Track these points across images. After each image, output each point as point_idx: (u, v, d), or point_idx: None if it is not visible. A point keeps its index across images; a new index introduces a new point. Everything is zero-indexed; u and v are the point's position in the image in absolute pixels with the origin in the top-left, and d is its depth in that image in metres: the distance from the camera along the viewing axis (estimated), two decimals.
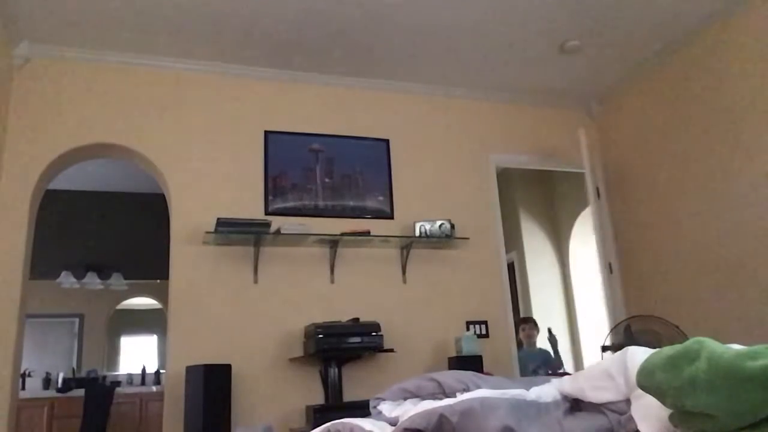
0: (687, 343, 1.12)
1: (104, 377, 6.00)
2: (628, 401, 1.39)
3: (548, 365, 4.60)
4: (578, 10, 3.71)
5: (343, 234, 3.89)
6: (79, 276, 6.16)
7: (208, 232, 3.64)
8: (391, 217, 4.20)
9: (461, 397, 1.46)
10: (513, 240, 5.71)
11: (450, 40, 3.97)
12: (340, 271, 4.00)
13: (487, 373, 2.66)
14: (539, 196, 6.09)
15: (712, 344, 1.09)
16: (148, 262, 5.88)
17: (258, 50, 3.96)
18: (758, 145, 3.57)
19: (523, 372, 4.37)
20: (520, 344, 4.75)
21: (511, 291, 4.55)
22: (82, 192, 6.21)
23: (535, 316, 5.70)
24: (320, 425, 1.57)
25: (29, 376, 5.62)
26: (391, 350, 3.76)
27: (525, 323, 4.87)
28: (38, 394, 5.44)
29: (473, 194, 4.48)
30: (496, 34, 3.93)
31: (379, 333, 3.60)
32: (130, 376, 6.14)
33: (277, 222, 3.79)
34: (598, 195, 4.76)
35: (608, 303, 4.23)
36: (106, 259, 6.26)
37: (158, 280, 5.71)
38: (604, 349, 4.05)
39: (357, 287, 4.01)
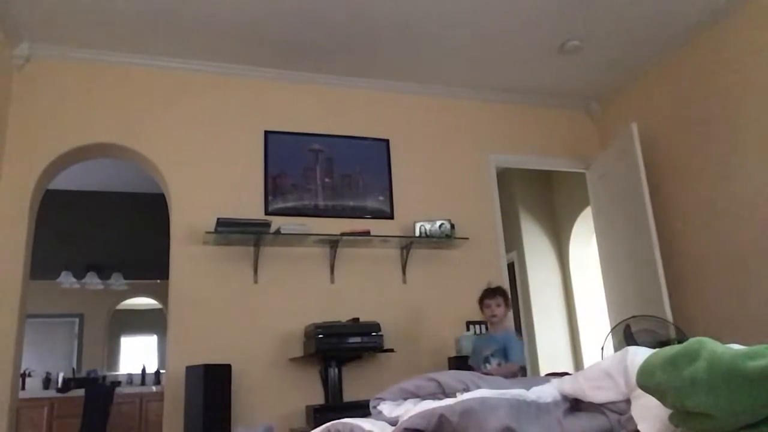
0: (687, 343, 1.12)
1: (104, 377, 6.00)
2: (628, 401, 1.39)
3: (505, 356, 3.38)
4: (578, 10, 3.71)
5: (343, 234, 3.89)
6: (79, 276, 6.16)
7: (208, 232, 3.64)
8: (391, 217, 4.20)
9: (461, 397, 1.46)
10: (513, 240, 5.71)
11: (450, 40, 3.97)
12: (340, 271, 4.00)
13: (488, 373, 2.67)
14: (539, 196, 6.08)
15: (712, 344, 1.09)
16: (148, 262, 5.86)
17: (258, 50, 3.96)
18: (759, 145, 3.57)
19: (473, 360, 3.55)
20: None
21: (511, 291, 4.54)
22: (82, 192, 6.20)
23: (535, 316, 5.69)
24: (320, 425, 1.57)
25: (29, 376, 5.62)
26: (391, 350, 3.75)
27: (489, 298, 3.52)
28: (38, 394, 5.44)
29: (473, 194, 4.48)
30: (496, 34, 3.93)
31: (379, 333, 3.60)
32: (130, 376, 6.14)
33: (277, 222, 3.79)
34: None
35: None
36: (106, 259, 6.26)
37: (158, 280, 5.70)
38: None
39: (357, 287, 4.00)
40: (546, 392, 1.53)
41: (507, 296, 3.59)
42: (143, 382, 6.06)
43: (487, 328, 3.93)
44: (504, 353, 3.39)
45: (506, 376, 2.91)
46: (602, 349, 3.78)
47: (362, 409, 1.90)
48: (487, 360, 3.43)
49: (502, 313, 3.51)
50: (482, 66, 4.34)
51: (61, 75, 3.79)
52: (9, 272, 3.43)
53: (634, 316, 3.79)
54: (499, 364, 3.36)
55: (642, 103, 4.50)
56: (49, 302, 5.89)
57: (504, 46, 4.08)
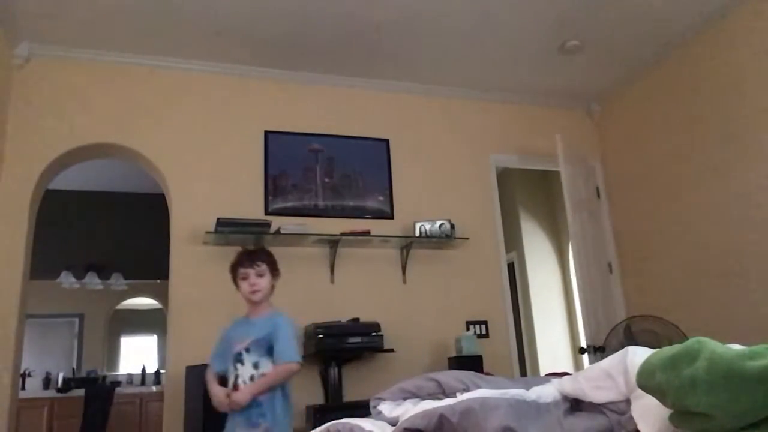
0: (687, 343, 1.12)
1: (104, 377, 6.00)
2: (628, 401, 1.39)
3: (269, 347, 2.39)
4: (578, 10, 3.70)
5: (343, 234, 3.89)
6: (79, 276, 6.16)
7: (208, 232, 3.64)
8: (391, 217, 4.20)
9: (461, 397, 1.46)
10: (513, 240, 5.71)
11: (450, 40, 3.97)
12: (340, 271, 4.00)
13: (487, 373, 2.66)
14: (539, 196, 6.08)
15: (712, 344, 1.09)
16: (148, 262, 5.87)
17: (258, 50, 3.96)
18: (758, 144, 3.57)
19: (219, 360, 2.53)
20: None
21: (511, 291, 4.55)
22: (82, 192, 6.21)
23: (535, 316, 5.69)
24: (320, 425, 1.57)
25: (29, 376, 5.62)
26: (391, 350, 3.75)
27: (246, 265, 2.49)
28: (38, 394, 5.44)
29: (473, 194, 4.48)
30: (496, 34, 3.93)
31: (379, 333, 3.60)
32: (130, 376, 6.14)
33: (277, 222, 3.79)
34: (598, 195, 4.77)
35: (582, 302, 4.15)
36: (106, 259, 6.26)
37: (158, 280, 5.70)
38: (581, 351, 4.05)
39: (357, 287, 4.00)
40: (546, 392, 1.54)
41: (273, 260, 2.56)
42: (143, 382, 6.06)
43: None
44: (268, 347, 2.40)
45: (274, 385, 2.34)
46: (580, 350, 3.79)
47: (362, 409, 1.89)
48: (239, 359, 2.42)
49: (266, 286, 2.50)
50: (482, 66, 4.34)
51: (61, 75, 3.79)
52: (9, 272, 3.42)
53: (634, 316, 3.79)
54: (255, 366, 2.38)
55: (642, 103, 4.50)
56: (49, 302, 5.89)
57: (504, 46, 4.08)
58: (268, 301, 2.56)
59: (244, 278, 2.49)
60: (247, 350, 2.42)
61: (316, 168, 4.13)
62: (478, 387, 1.54)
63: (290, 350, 2.42)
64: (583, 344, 4.07)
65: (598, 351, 3.93)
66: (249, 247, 2.67)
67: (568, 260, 5.82)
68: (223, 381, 2.49)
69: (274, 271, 2.55)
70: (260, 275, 2.49)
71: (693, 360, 1.06)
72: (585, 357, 5.47)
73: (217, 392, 2.44)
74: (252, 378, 2.40)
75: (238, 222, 3.67)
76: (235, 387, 2.41)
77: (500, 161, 4.69)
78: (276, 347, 2.40)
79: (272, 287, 2.55)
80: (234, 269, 2.53)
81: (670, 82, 4.23)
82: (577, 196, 4.39)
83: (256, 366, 2.40)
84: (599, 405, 1.44)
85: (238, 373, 2.42)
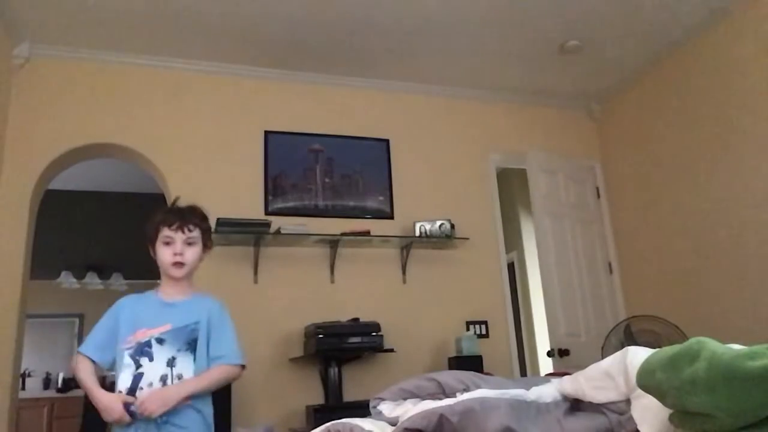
0: (687, 343, 1.12)
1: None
2: (628, 401, 1.39)
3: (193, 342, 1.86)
4: (578, 10, 3.70)
5: (343, 234, 3.89)
6: (79, 276, 6.16)
7: None
8: (391, 217, 4.20)
9: (461, 397, 1.46)
10: (513, 240, 5.71)
11: (450, 40, 3.97)
12: (340, 271, 4.00)
13: (487, 373, 2.65)
14: None
15: (712, 344, 1.08)
16: (148, 262, 5.80)
17: (258, 50, 3.96)
18: (758, 144, 3.57)
19: (102, 349, 1.89)
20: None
21: (511, 291, 4.55)
22: (82, 192, 6.20)
23: (535, 316, 5.69)
24: (320, 425, 1.57)
25: (29, 376, 5.62)
26: (391, 350, 3.75)
27: (173, 225, 1.94)
28: (38, 394, 5.45)
29: (473, 194, 4.48)
30: (496, 33, 3.93)
31: (379, 333, 3.60)
32: None
33: (277, 222, 3.79)
34: (598, 195, 4.77)
35: (546, 306, 4.12)
36: (106, 259, 6.26)
37: (158, 281, 5.70)
38: (549, 354, 4.05)
39: (357, 287, 4.00)
40: (546, 392, 1.53)
41: (208, 227, 2.05)
42: None
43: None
44: (190, 339, 1.85)
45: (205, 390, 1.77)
46: (602, 348, 3.78)
47: (362, 409, 1.89)
48: (145, 351, 1.80)
49: (194, 259, 1.96)
50: (482, 66, 4.34)
51: (61, 75, 3.79)
52: (9, 272, 3.43)
53: (634, 316, 3.79)
54: (170, 363, 1.80)
55: (642, 103, 4.50)
56: (49, 302, 5.89)
57: (504, 46, 4.08)
58: (191, 279, 1.98)
59: (168, 243, 1.89)
60: (160, 341, 1.80)
61: (316, 168, 4.13)
62: (478, 387, 1.54)
63: (236, 350, 1.91)
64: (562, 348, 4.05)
65: (564, 354, 3.93)
66: (178, 203, 2.03)
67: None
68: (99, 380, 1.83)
69: (208, 241, 2.00)
70: (190, 244, 1.92)
71: (693, 360, 1.06)
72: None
73: (109, 399, 1.80)
74: (164, 380, 1.78)
75: (238, 222, 3.67)
76: (131, 392, 1.78)
77: (500, 161, 4.69)
78: (217, 343, 1.87)
79: (198, 264, 1.96)
80: (156, 228, 1.90)
81: (670, 82, 4.23)
82: (553, 198, 4.36)
83: (171, 363, 1.79)
84: (599, 405, 1.44)
85: (141, 371, 1.79)
